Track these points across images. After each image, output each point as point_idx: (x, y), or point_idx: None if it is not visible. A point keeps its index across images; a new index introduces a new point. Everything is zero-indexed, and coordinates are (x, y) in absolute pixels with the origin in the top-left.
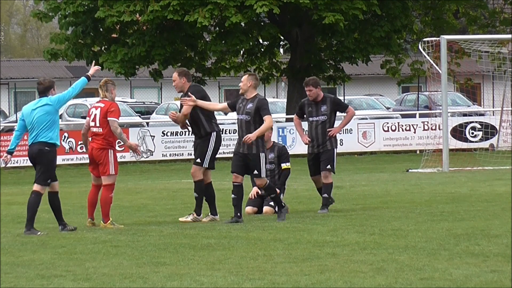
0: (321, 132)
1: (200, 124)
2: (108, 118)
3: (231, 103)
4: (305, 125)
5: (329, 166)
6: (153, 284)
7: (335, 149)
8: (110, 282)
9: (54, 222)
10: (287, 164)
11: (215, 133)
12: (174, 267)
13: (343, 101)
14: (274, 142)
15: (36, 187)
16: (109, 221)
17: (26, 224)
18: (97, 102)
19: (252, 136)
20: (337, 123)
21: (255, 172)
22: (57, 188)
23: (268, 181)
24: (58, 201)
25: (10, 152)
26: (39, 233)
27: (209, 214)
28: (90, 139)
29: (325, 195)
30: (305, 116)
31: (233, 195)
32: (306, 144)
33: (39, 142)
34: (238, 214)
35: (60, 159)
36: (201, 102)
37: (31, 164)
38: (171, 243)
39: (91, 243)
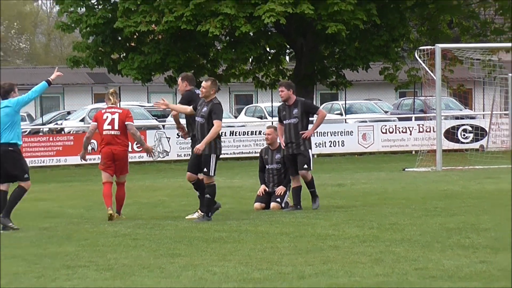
0: (294, 134)
1: (189, 127)
2: (127, 123)
3: (194, 107)
4: None
5: (306, 166)
6: (169, 274)
7: (309, 150)
8: (129, 272)
9: (78, 217)
10: None
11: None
12: (188, 258)
13: (315, 104)
14: (280, 143)
15: (21, 183)
16: (122, 214)
17: (4, 212)
18: (110, 108)
19: (200, 147)
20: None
21: (204, 170)
22: (7, 188)
23: (214, 181)
24: (21, 196)
25: None
26: (10, 223)
27: (199, 210)
28: (94, 141)
29: (312, 189)
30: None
31: (197, 193)
32: (283, 148)
33: (2, 143)
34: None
35: None
36: (172, 106)
37: (57, 164)
38: (186, 236)
39: (112, 236)
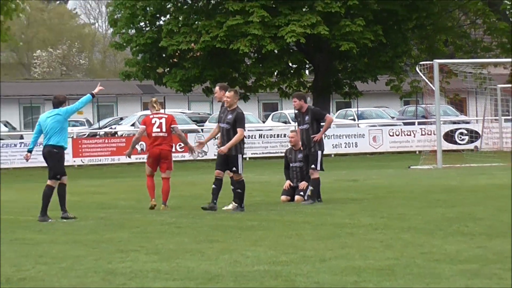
0: (305, 137)
1: None
2: (173, 126)
3: (218, 120)
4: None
5: (313, 166)
6: (208, 257)
7: (318, 151)
8: (174, 255)
9: (129, 208)
10: None
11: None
12: (225, 244)
13: (323, 111)
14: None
15: (48, 181)
16: (167, 205)
17: (41, 212)
18: (156, 114)
19: (223, 149)
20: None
21: (233, 168)
22: (66, 181)
23: (243, 177)
24: (64, 191)
25: (29, 151)
26: (50, 220)
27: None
28: (143, 143)
29: (311, 188)
30: None
31: (213, 186)
32: (302, 149)
33: (50, 144)
34: (215, 201)
35: (133, 158)
36: (206, 139)
37: (112, 162)
38: (223, 225)
39: (159, 225)
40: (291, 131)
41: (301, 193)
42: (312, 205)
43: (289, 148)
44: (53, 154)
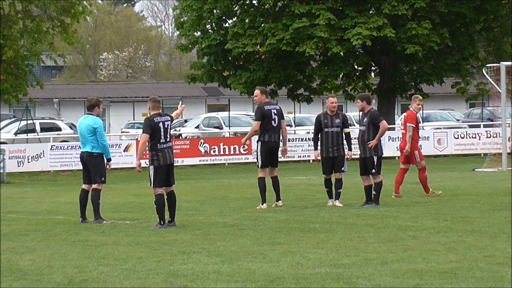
0: (361, 139)
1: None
2: None
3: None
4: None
5: (373, 171)
6: (270, 259)
7: (374, 157)
8: (236, 257)
9: (192, 209)
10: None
11: (259, 142)
12: (287, 246)
13: (380, 116)
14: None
15: (94, 185)
16: None
17: (94, 215)
18: None
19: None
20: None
21: (342, 169)
22: (101, 187)
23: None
24: (98, 197)
25: (108, 159)
26: (105, 221)
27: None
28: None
29: (376, 192)
30: None
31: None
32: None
33: (87, 151)
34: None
35: (197, 160)
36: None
37: (176, 164)
38: (285, 227)
39: (222, 227)
40: (331, 96)
41: (342, 168)
42: (376, 207)
43: (323, 113)
44: (94, 158)
